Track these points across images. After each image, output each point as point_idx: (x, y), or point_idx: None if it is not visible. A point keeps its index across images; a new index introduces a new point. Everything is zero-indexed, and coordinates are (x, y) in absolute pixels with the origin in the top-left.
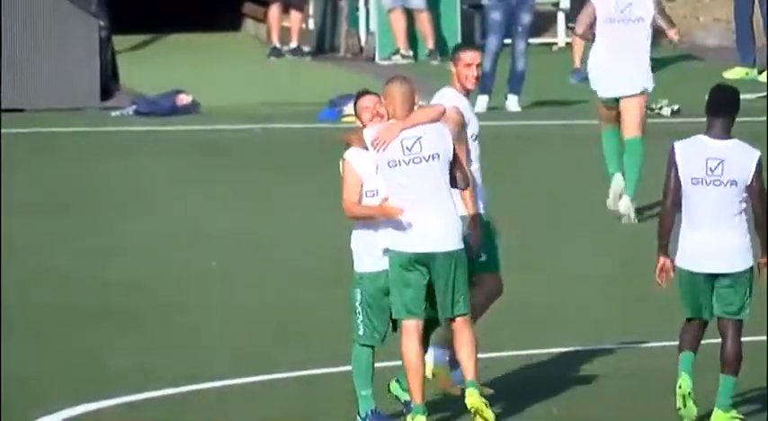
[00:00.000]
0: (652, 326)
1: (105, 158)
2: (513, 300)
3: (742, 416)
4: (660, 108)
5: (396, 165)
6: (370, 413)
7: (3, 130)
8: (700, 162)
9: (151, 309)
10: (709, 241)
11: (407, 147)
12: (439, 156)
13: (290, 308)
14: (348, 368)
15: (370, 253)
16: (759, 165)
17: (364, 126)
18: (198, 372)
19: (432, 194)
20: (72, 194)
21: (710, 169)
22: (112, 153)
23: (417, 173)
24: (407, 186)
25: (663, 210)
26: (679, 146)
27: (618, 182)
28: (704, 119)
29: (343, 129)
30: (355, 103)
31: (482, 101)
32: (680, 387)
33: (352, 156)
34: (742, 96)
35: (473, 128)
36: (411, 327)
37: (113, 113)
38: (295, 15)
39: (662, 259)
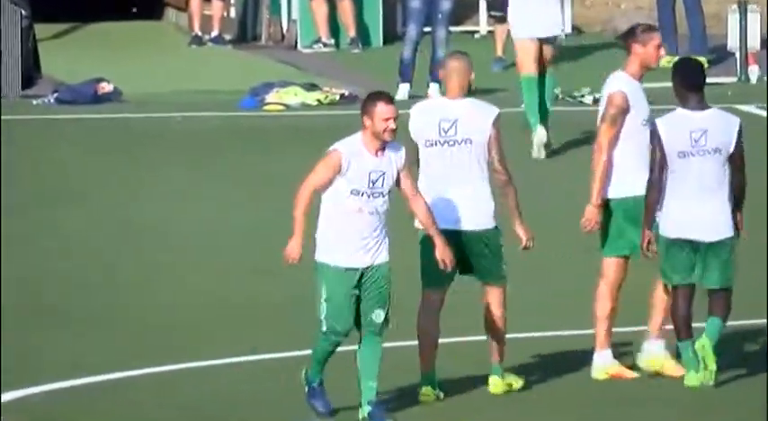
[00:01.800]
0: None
1: (26, 147)
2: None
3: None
4: (582, 96)
5: (432, 145)
6: (315, 383)
7: None
8: (684, 135)
9: (76, 300)
10: (695, 210)
11: (444, 130)
12: (471, 142)
13: (213, 297)
14: (272, 355)
15: (343, 247)
16: (740, 132)
17: (368, 129)
18: (127, 361)
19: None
20: None
21: (695, 140)
22: (34, 141)
23: (450, 154)
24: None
25: (649, 185)
26: (661, 122)
27: (541, 134)
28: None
29: (266, 117)
30: (372, 104)
31: (403, 89)
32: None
33: (345, 149)
34: (665, 85)
35: (643, 112)
36: (436, 299)
37: (35, 102)
38: (216, 3)
39: (647, 233)
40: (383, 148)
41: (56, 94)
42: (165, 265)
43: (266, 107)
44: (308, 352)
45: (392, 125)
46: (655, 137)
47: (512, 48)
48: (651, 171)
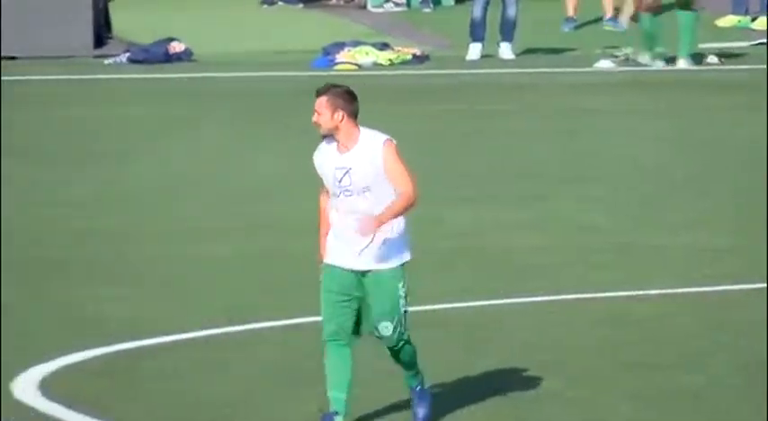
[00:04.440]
0: (642, 274)
1: (97, 106)
2: (513, 246)
3: None
4: (654, 58)
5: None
6: (330, 409)
7: None
8: None
9: (138, 260)
10: None
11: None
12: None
13: (275, 257)
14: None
15: (334, 247)
16: None
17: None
18: (188, 322)
19: None
20: (62, 143)
21: None
22: (104, 101)
23: None
24: None
25: None
26: None
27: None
28: (699, 67)
29: (337, 77)
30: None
31: (474, 49)
32: None
33: (319, 148)
34: (736, 44)
35: None
36: None
37: (106, 61)
38: None
39: None
40: (353, 143)
41: (127, 54)
42: (226, 223)
43: (338, 67)
44: None
45: (313, 118)
46: None
47: (583, 7)
48: None
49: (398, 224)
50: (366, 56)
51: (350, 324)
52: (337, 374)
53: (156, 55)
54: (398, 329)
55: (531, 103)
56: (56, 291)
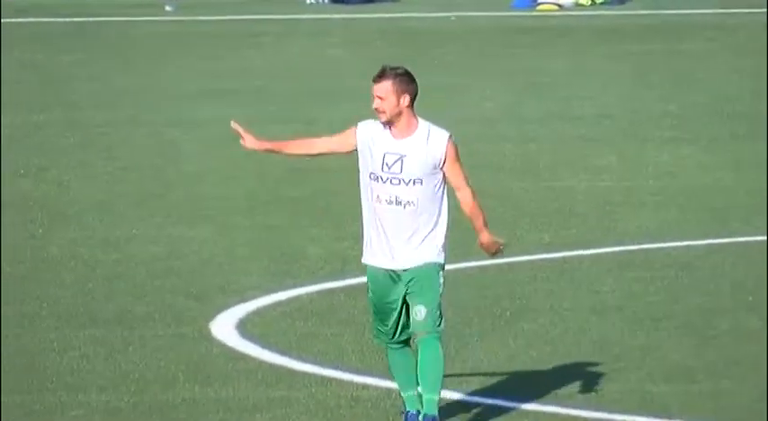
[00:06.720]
0: None
1: (299, 46)
2: (714, 186)
3: None
4: None
5: None
6: (407, 410)
7: (194, 18)
8: None
9: (342, 198)
10: None
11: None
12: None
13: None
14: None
15: (373, 245)
16: None
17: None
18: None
19: None
20: (265, 81)
21: None
22: (307, 41)
23: None
24: None
25: None
26: None
27: None
28: None
29: (538, 17)
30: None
31: None
32: None
33: (365, 125)
34: None
35: None
36: None
37: (308, 1)
38: None
39: None
40: (411, 131)
41: None
42: None
43: (540, 7)
44: None
45: (374, 104)
46: None
47: None
48: None
49: (440, 223)
50: None
51: (398, 325)
52: (404, 375)
53: None
54: (433, 315)
55: (733, 44)
56: (260, 226)
